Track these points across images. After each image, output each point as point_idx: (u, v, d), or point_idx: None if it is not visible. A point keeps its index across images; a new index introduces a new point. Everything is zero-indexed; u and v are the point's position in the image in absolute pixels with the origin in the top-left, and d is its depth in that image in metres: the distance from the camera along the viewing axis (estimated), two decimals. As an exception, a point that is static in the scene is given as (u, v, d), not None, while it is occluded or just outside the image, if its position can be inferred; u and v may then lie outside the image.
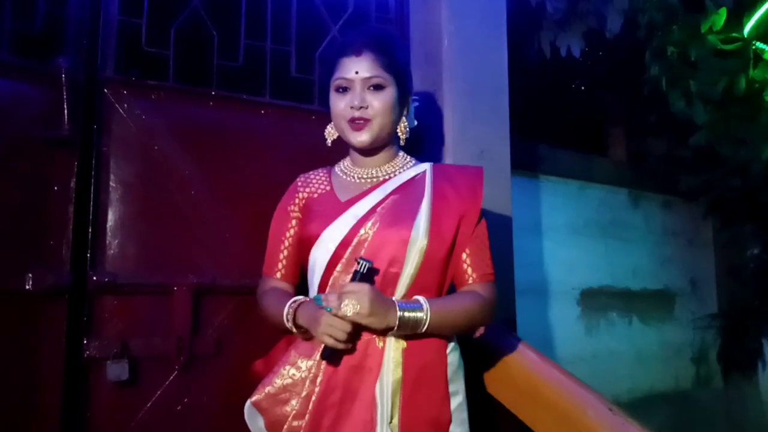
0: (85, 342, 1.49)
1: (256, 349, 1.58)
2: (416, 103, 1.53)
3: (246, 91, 1.78)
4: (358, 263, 1.28)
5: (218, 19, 1.76)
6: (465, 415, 1.42)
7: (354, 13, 1.96)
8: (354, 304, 1.23)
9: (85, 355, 1.48)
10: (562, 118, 3.85)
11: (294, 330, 1.36)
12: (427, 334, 1.33)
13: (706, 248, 3.99)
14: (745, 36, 2.95)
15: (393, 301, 1.30)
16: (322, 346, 1.29)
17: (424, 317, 1.29)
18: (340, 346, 1.27)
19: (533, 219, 3.02)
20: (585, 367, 3.08)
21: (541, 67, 3.28)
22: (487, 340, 1.69)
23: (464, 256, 1.42)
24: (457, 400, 1.40)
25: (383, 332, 1.30)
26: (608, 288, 3.40)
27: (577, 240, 3.27)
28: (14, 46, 1.50)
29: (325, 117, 1.83)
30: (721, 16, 2.87)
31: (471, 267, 1.42)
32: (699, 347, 3.78)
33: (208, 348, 1.62)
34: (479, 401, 1.65)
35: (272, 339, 1.60)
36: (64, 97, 1.50)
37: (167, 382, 1.57)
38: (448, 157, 1.89)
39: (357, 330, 1.28)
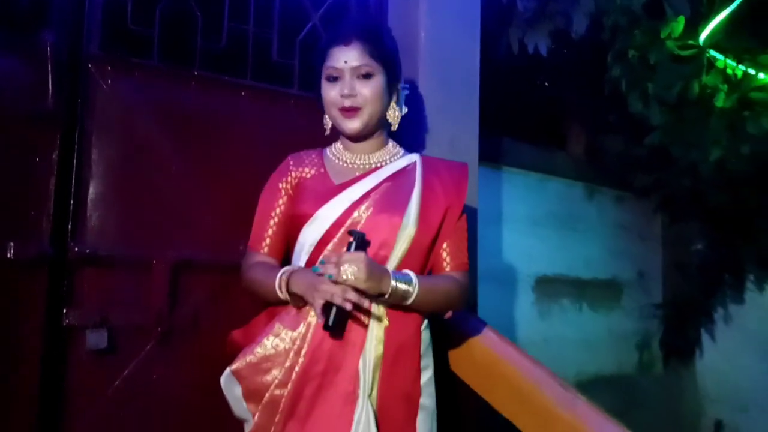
0: (65, 311, 1.53)
1: (231, 323, 1.65)
2: (406, 91, 1.60)
3: (228, 73, 1.82)
4: (352, 235, 1.35)
5: (202, 1, 1.79)
6: (433, 388, 1.52)
7: (335, 2, 2.01)
8: (353, 270, 1.29)
9: (65, 324, 1.53)
10: (524, 113, 3.98)
11: (288, 298, 1.40)
12: (410, 307, 1.41)
13: (655, 242, 4.19)
14: (700, 44, 3.12)
15: (387, 270, 1.37)
16: (325, 317, 1.32)
17: (413, 290, 1.38)
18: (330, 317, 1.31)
19: (495, 209, 3.14)
20: (537, 350, 3.22)
21: (508, 62, 3.39)
22: (452, 321, 1.80)
23: (444, 245, 1.52)
24: (427, 374, 1.51)
25: (375, 298, 1.37)
26: (562, 276, 3.56)
27: (536, 230, 3.41)
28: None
29: (305, 101, 1.91)
30: (679, 24, 3.02)
31: (450, 255, 1.53)
32: (643, 335, 3.99)
33: (184, 321, 1.68)
34: (444, 379, 1.76)
35: (247, 314, 1.67)
36: (49, 71, 1.52)
37: (144, 352, 1.62)
38: (422, 147, 1.98)
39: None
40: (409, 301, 1.39)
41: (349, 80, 1.48)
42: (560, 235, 3.57)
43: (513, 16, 3.07)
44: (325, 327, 1.33)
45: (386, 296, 1.36)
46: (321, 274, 1.32)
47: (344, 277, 1.29)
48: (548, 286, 3.47)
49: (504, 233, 3.19)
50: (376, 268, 1.34)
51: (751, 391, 3.78)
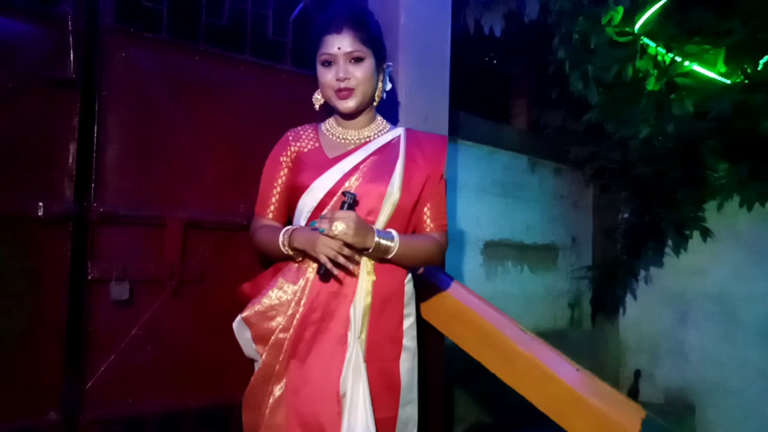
0: (89, 265, 1.67)
1: (232, 276, 1.85)
2: (390, 69, 1.80)
3: (229, 48, 1.96)
4: (345, 195, 1.55)
5: (206, -21, 1.92)
6: (414, 332, 1.75)
7: (323, -16, 2.17)
8: (343, 226, 1.50)
9: (89, 278, 1.67)
10: (477, 89, 4.24)
11: (290, 252, 1.61)
12: (392, 260, 1.63)
13: (587, 210, 4.55)
14: (635, 32, 3.45)
15: (373, 228, 1.59)
16: (316, 266, 1.56)
17: (394, 246, 1.60)
18: (329, 264, 1.53)
19: (451, 178, 3.40)
20: (484, 307, 3.56)
21: (462, 40, 3.61)
22: (425, 276, 2.05)
23: (425, 209, 1.74)
24: (410, 321, 1.73)
25: (361, 251, 1.58)
26: (506, 241, 3.87)
27: (485, 198, 3.70)
28: (23, -12, 1.60)
29: (296, 77, 2.09)
30: (618, 13, 3.33)
31: (430, 218, 1.75)
32: (575, 294, 4.39)
33: (193, 275, 1.85)
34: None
35: (246, 268, 1.87)
36: (71, 41, 1.63)
37: (159, 302, 1.79)
38: (399, 121, 2.19)
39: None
40: (390, 256, 1.61)
41: (343, 65, 1.66)
42: (506, 204, 3.88)
43: (470, -2, 3.30)
44: (319, 272, 1.57)
45: (370, 250, 1.58)
46: (316, 229, 1.53)
47: (335, 231, 1.51)
48: (494, 250, 3.78)
49: (458, 201, 3.46)
50: (363, 225, 1.55)
51: (665, 343, 4.26)
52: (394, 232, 1.63)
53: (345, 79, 1.66)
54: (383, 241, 1.59)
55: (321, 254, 1.53)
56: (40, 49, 1.61)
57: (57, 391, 1.64)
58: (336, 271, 1.58)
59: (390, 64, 1.84)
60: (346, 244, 1.53)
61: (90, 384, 1.68)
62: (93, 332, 1.69)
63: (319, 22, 1.73)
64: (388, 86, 1.80)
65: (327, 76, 1.68)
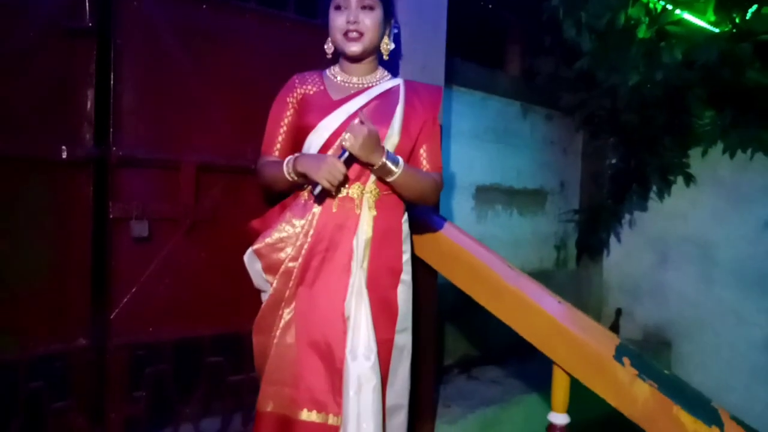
0: (110, 204, 1.79)
1: (240, 216, 1.98)
2: (396, 30, 1.90)
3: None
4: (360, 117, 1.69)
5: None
6: (410, 267, 1.91)
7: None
8: (351, 138, 1.65)
9: (111, 216, 1.80)
10: (470, 34, 4.27)
11: (295, 177, 1.73)
12: (393, 184, 1.76)
13: (576, 156, 4.68)
14: (628, -21, 3.50)
15: (384, 148, 1.71)
16: (317, 188, 1.69)
17: (397, 171, 1.73)
18: (330, 187, 1.67)
19: (445, 124, 3.49)
20: (475, 248, 3.73)
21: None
22: (420, 217, 2.19)
23: (422, 151, 1.88)
24: (407, 256, 1.89)
25: (366, 165, 1.72)
26: (497, 185, 4.01)
27: (477, 144, 3.81)
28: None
29: (298, 25, 2.17)
30: (612, -42, 3.38)
31: (426, 159, 1.89)
32: (561, 236, 4.56)
33: (205, 214, 1.98)
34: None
35: (254, 209, 2.00)
36: (85, -9, 1.70)
37: (175, 240, 1.93)
38: (397, 71, 2.28)
39: (346, 180, 1.72)
40: (392, 179, 1.74)
41: (354, 10, 1.78)
42: (498, 149, 4.00)
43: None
44: (313, 192, 1.71)
45: (374, 167, 1.72)
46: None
47: (344, 142, 1.65)
48: (485, 194, 3.93)
49: (451, 147, 3.57)
50: (371, 142, 1.67)
51: (646, 283, 4.49)
52: (401, 160, 1.75)
53: (355, 22, 1.77)
54: (389, 162, 1.71)
55: (322, 179, 1.67)
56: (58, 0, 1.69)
57: (85, 320, 1.79)
58: (333, 197, 1.75)
59: (397, 26, 1.93)
60: (353, 156, 1.66)
61: (114, 313, 1.84)
62: (116, 267, 1.83)
63: None
64: (392, 46, 1.90)
65: (338, 20, 1.79)
